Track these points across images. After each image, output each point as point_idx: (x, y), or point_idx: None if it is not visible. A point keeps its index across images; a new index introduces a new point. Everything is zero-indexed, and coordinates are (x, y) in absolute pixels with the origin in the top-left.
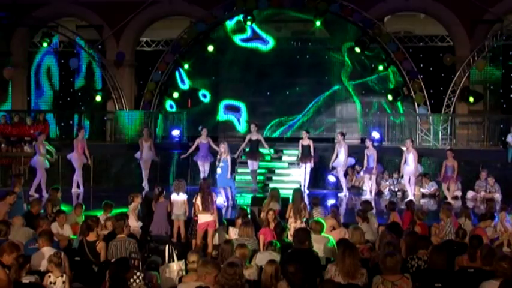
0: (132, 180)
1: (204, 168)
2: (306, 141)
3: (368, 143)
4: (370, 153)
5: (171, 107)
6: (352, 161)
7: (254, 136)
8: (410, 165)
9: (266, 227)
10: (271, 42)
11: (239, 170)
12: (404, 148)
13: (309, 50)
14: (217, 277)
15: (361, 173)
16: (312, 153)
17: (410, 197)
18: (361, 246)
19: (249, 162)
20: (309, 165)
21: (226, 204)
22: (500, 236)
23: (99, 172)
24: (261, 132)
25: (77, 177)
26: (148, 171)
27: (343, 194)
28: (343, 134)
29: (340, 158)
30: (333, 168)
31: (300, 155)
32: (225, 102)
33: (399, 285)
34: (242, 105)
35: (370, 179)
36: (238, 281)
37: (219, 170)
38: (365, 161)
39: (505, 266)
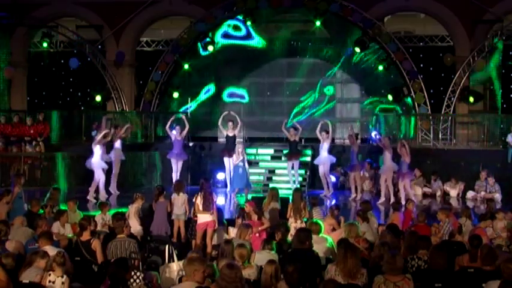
0: (132, 181)
1: (177, 167)
2: (293, 138)
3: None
4: (353, 149)
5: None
6: (333, 159)
7: (231, 133)
8: (385, 163)
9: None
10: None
11: None
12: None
13: (309, 50)
14: (217, 280)
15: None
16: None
17: (382, 198)
18: (357, 239)
19: (225, 159)
20: (296, 163)
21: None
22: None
23: None
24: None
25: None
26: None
27: (324, 194)
28: (327, 132)
29: (322, 155)
30: (333, 168)
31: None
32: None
33: (401, 286)
34: (244, 92)
35: (355, 176)
36: (238, 284)
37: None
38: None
39: None
